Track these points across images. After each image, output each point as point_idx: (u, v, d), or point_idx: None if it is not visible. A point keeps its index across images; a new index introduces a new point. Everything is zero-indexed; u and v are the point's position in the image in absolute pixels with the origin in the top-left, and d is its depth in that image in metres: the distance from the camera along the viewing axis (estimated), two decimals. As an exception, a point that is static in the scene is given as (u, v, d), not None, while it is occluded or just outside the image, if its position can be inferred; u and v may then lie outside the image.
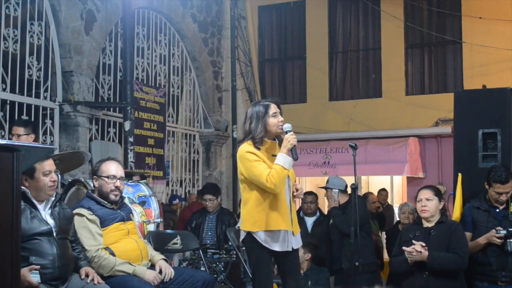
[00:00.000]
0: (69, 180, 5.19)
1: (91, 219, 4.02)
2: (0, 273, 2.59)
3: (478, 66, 9.47)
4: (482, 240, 4.65)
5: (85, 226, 4.00)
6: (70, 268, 3.69)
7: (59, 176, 4.83)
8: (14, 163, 2.63)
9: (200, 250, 5.16)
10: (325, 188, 6.05)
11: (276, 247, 3.91)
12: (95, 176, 4.23)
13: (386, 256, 7.16)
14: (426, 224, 4.64)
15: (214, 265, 5.53)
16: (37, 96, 7.07)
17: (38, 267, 3.41)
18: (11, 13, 6.68)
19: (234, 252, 5.61)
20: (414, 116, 9.90)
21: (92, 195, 4.21)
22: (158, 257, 4.22)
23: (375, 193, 9.02)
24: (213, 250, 5.88)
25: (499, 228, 4.59)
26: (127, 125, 7.50)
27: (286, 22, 11.23)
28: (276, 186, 3.81)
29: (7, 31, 6.68)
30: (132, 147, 7.52)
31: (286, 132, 3.88)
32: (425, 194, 4.65)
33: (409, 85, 10.26)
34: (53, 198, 3.74)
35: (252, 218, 3.91)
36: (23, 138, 5.16)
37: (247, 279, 5.42)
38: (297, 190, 4.06)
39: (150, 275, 3.96)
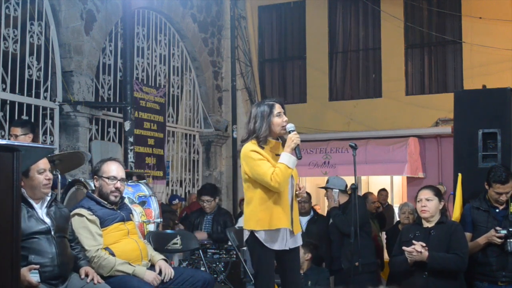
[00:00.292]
0: (69, 180, 5.20)
1: (91, 219, 4.02)
2: (0, 273, 2.59)
3: (478, 66, 9.47)
4: (482, 240, 4.65)
5: (85, 226, 3.99)
6: (69, 267, 3.70)
7: (59, 176, 4.84)
8: (14, 163, 2.63)
9: (200, 250, 5.16)
10: (325, 188, 6.04)
11: (275, 246, 3.92)
12: (95, 176, 4.23)
13: (386, 256, 7.16)
14: (426, 224, 4.64)
15: (214, 265, 5.53)
16: (37, 96, 7.07)
17: (37, 266, 3.41)
18: (11, 13, 6.68)
19: (234, 252, 5.61)
20: (414, 116, 9.89)
21: (92, 195, 4.21)
22: (158, 257, 4.22)
23: (375, 193, 9.02)
24: (213, 250, 5.88)
25: (499, 228, 4.59)
26: (127, 125, 7.50)
27: (286, 22, 11.23)
28: (280, 185, 3.83)
29: (7, 31, 6.68)
30: (132, 147, 7.52)
31: (290, 132, 3.91)
32: (425, 194, 4.65)
33: (409, 85, 10.26)
34: (48, 198, 3.74)
35: (255, 216, 3.92)
36: (21, 138, 5.16)
37: (247, 279, 5.42)
38: (300, 189, 4.07)
39: (150, 276, 3.96)
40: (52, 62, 7.26)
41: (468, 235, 4.73)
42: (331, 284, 6.17)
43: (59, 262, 3.57)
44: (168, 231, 5.60)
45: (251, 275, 5.17)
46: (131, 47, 7.71)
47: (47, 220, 3.65)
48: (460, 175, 5.12)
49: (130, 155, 7.47)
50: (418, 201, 4.68)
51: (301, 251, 5.15)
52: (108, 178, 4.15)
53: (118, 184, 4.17)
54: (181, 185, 9.72)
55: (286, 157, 3.86)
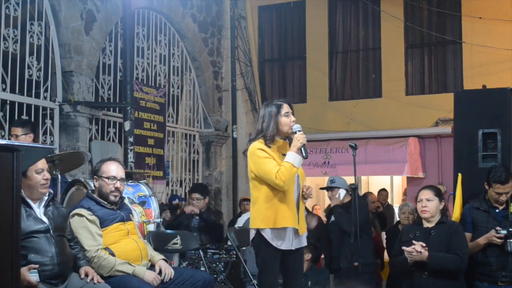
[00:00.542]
0: (69, 180, 5.20)
1: (91, 220, 4.02)
2: (0, 273, 2.59)
3: (478, 66, 9.47)
4: (482, 240, 4.66)
5: (85, 226, 4.00)
6: (69, 266, 3.70)
7: (59, 176, 4.84)
8: (14, 163, 2.64)
9: (200, 250, 5.16)
10: (331, 187, 5.97)
11: (283, 246, 3.94)
12: (95, 176, 4.23)
13: (386, 256, 7.16)
14: (426, 224, 4.65)
15: (214, 265, 5.53)
16: (37, 96, 7.06)
17: (37, 266, 3.41)
18: (11, 13, 6.68)
19: (234, 252, 5.61)
20: (414, 116, 9.89)
21: (92, 195, 4.21)
22: (158, 257, 4.22)
23: (375, 193, 9.02)
24: (213, 250, 5.88)
25: (499, 228, 4.59)
26: (127, 125, 7.50)
27: (286, 22, 11.23)
28: (285, 183, 3.85)
29: (7, 31, 6.68)
30: (132, 147, 7.52)
31: (296, 132, 3.95)
32: (426, 194, 4.65)
33: (409, 85, 10.25)
34: (46, 197, 3.75)
35: (261, 215, 3.94)
36: (21, 138, 5.16)
37: (247, 279, 5.42)
38: (306, 189, 4.08)
39: (150, 276, 3.96)
40: (52, 62, 7.26)
41: (468, 235, 4.73)
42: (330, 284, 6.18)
43: (59, 261, 3.57)
44: (168, 231, 5.60)
45: (251, 275, 5.18)
46: (131, 47, 7.71)
47: (45, 219, 3.66)
48: (460, 175, 5.12)
49: (130, 155, 7.47)
50: (419, 201, 4.68)
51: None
52: (108, 178, 4.16)
53: (118, 184, 4.18)
54: (181, 185, 9.72)
55: (292, 156, 3.88)
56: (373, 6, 10.32)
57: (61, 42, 7.36)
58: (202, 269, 5.09)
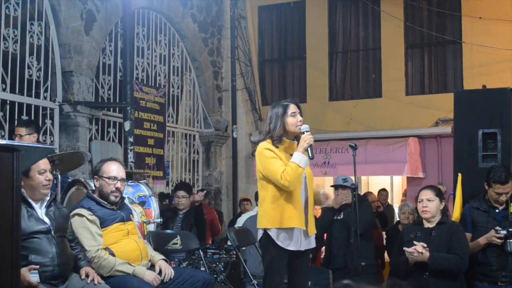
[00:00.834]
0: (69, 180, 5.19)
1: (91, 220, 4.02)
2: (0, 273, 2.59)
3: (478, 66, 9.47)
4: (482, 240, 4.66)
5: (85, 226, 4.00)
6: (70, 266, 3.70)
7: (59, 176, 4.84)
8: (14, 163, 2.64)
9: (200, 250, 5.16)
10: (344, 186, 5.83)
11: (291, 247, 3.95)
12: (96, 176, 4.22)
13: (386, 256, 7.16)
14: (427, 225, 4.64)
15: (214, 265, 5.52)
16: (37, 96, 7.07)
17: (37, 266, 3.41)
18: (11, 13, 6.68)
19: (234, 252, 5.61)
20: (414, 116, 9.89)
21: (92, 195, 4.21)
22: (158, 257, 4.22)
23: (375, 193, 9.02)
24: (213, 250, 5.88)
25: (499, 228, 4.59)
26: (127, 125, 7.50)
27: (286, 22, 11.23)
28: (290, 184, 3.85)
29: (7, 31, 6.68)
30: (132, 147, 7.52)
31: (303, 132, 3.96)
32: (426, 194, 4.65)
33: (409, 85, 10.25)
34: (48, 198, 3.75)
35: (267, 215, 3.96)
36: (26, 138, 5.18)
37: (247, 279, 5.42)
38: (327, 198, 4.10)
39: (150, 276, 3.96)
40: (52, 62, 7.26)
41: (468, 235, 4.73)
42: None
43: (59, 262, 3.57)
44: (168, 231, 5.60)
45: (251, 275, 5.18)
46: (131, 47, 7.71)
47: (47, 220, 3.65)
48: (460, 175, 5.12)
49: (130, 155, 7.47)
50: (419, 202, 4.68)
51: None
52: (108, 178, 4.16)
53: (119, 184, 4.18)
54: (181, 185, 9.71)
55: (298, 157, 3.89)
56: (373, 6, 10.32)
57: (61, 42, 7.36)
58: (202, 269, 5.08)
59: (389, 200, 9.59)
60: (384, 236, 7.66)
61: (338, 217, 5.84)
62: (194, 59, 10.00)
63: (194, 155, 10.14)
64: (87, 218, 4.01)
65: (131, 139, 7.51)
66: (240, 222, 6.77)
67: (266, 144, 4.00)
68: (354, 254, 5.20)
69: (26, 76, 6.90)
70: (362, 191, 9.60)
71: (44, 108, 7.12)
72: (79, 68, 7.41)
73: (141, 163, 8.24)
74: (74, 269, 3.75)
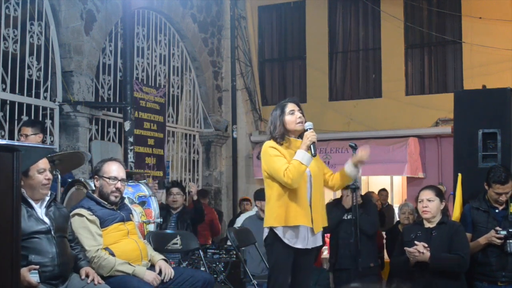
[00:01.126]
0: (69, 180, 5.19)
1: (91, 220, 4.02)
2: (0, 273, 2.59)
3: (478, 66, 9.47)
4: (482, 240, 4.66)
5: (85, 226, 3.99)
6: (70, 266, 3.70)
7: (59, 176, 4.84)
8: (14, 163, 2.64)
9: (200, 250, 5.16)
10: (355, 188, 5.61)
11: (298, 244, 3.95)
12: (96, 176, 4.22)
13: (385, 256, 7.15)
14: (427, 225, 4.64)
15: (214, 265, 5.53)
16: (37, 96, 7.07)
17: (37, 267, 3.41)
18: (11, 13, 6.68)
19: (234, 252, 5.61)
20: (414, 116, 9.89)
21: (92, 195, 4.21)
22: (158, 257, 4.22)
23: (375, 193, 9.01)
24: (213, 250, 5.88)
25: (499, 228, 4.59)
26: (127, 125, 7.50)
27: (286, 22, 11.23)
28: (293, 181, 3.86)
29: (7, 31, 6.68)
30: (132, 147, 7.52)
31: (307, 130, 3.97)
32: (427, 194, 4.64)
33: (409, 85, 10.25)
34: (47, 198, 3.74)
35: (273, 213, 3.97)
36: (31, 138, 5.20)
37: (247, 279, 5.42)
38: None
39: (150, 276, 3.96)
40: (52, 62, 7.26)
41: (468, 235, 4.73)
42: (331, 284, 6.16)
43: (59, 262, 3.57)
44: (168, 231, 5.60)
45: (251, 275, 5.18)
46: (131, 47, 7.71)
47: (46, 220, 3.65)
48: (460, 175, 5.12)
49: (130, 155, 7.47)
50: (420, 202, 4.68)
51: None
52: (109, 178, 4.15)
53: (119, 185, 4.18)
54: (181, 185, 9.71)
55: (301, 154, 3.89)
56: (373, 6, 10.32)
57: (61, 42, 7.36)
58: (202, 269, 5.09)
59: (389, 200, 9.59)
60: (384, 236, 7.67)
61: (347, 217, 5.73)
62: (194, 59, 10.00)
63: (194, 155, 10.14)
64: (87, 218, 4.01)
65: (131, 139, 7.51)
66: (238, 222, 6.77)
67: (270, 143, 4.03)
68: (357, 255, 5.18)
69: (26, 76, 6.90)
70: (362, 191, 9.59)
71: (44, 108, 7.12)
72: (79, 68, 7.41)
73: (141, 163, 8.24)
74: (74, 269, 3.75)
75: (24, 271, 3.31)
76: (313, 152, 3.91)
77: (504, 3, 9.46)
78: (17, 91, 6.75)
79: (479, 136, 5.09)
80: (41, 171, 3.66)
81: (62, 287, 3.61)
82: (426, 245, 4.46)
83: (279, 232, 3.94)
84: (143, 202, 5.03)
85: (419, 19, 10.19)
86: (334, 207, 5.71)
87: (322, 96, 10.61)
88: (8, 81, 6.63)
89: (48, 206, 3.73)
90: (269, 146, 4.01)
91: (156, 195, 6.13)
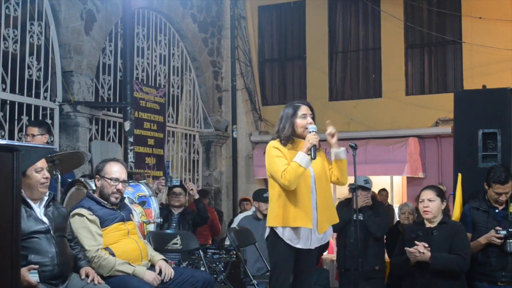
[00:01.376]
0: (69, 180, 5.19)
1: (91, 219, 4.02)
2: (0, 273, 2.59)
3: (478, 66, 9.46)
4: (482, 240, 4.66)
5: (85, 226, 3.99)
6: (69, 266, 3.69)
7: (59, 176, 4.84)
8: (14, 163, 2.63)
9: (200, 250, 5.16)
10: (366, 188, 5.70)
11: (299, 245, 3.95)
12: (97, 176, 4.22)
13: (385, 256, 7.15)
14: (428, 225, 4.65)
15: (214, 265, 5.52)
16: (37, 96, 7.06)
17: (36, 266, 3.41)
18: (11, 13, 6.68)
19: (234, 252, 5.61)
20: (414, 116, 9.89)
21: (92, 195, 4.21)
22: (158, 257, 4.22)
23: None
24: (213, 250, 5.88)
25: (499, 228, 4.59)
26: (127, 125, 7.50)
27: (286, 22, 11.22)
28: (290, 183, 3.86)
29: (7, 31, 6.67)
30: (132, 147, 7.52)
31: (310, 132, 3.98)
32: (427, 194, 4.65)
33: (409, 85, 10.25)
34: (46, 197, 3.74)
35: (273, 213, 4.00)
36: (38, 138, 5.23)
37: (247, 279, 5.42)
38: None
39: (150, 276, 3.96)
40: (52, 62, 7.26)
41: (468, 235, 4.73)
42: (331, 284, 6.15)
43: (59, 262, 3.57)
44: (168, 231, 5.60)
45: (251, 275, 5.18)
46: (131, 47, 7.71)
47: (45, 220, 3.65)
48: (460, 175, 5.12)
49: (130, 155, 7.47)
50: (420, 202, 4.68)
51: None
52: (110, 179, 4.15)
53: (120, 186, 4.18)
54: (181, 185, 9.71)
55: (300, 156, 3.90)
56: (373, 6, 10.32)
57: (61, 42, 7.36)
58: (202, 269, 5.09)
59: (389, 200, 9.58)
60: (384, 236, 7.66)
61: (355, 218, 5.69)
62: (194, 59, 10.00)
63: (194, 155, 10.14)
64: (87, 218, 4.01)
65: (131, 139, 7.51)
66: (235, 222, 6.78)
67: (274, 143, 4.04)
68: (356, 255, 5.16)
69: (26, 76, 6.90)
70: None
71: (44, 108, 7.11)
72: (79, 68, 7.41)
73: (141, 163, 8.24)
74: (74, 269, 3.75)
75: (23, 271, 3.31)
76: (312, 155, 3.91)
77: (504, 3, 9.45)
78: (17, 91, 6.74)
79: (479, 136, 5.09)
80: (39, 170, 3.65)
81: (62, 287, 3.61)
82: (426, 245, 4.46)
83: (279, 231, 3.95)
84: (143, 202, 5.04)
85: (419, 19, 10.19)
86: (344, 207, 5.64)
87: (322, 96, 10.60)
88: (8, 81, 6.63)
89: (47, 206, 3.73)
90: (272, 147, 4.02)
91: (159, 192, 6.15)
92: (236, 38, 10.64)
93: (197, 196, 6.50)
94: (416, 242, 4.51)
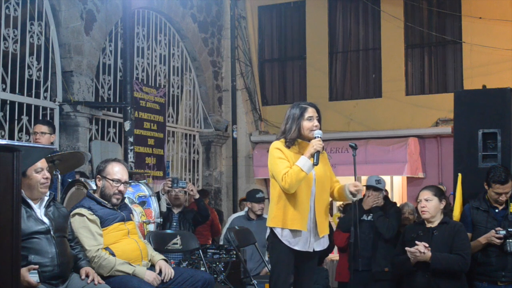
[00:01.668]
0: (69, 180, 5.20)
1: (91, 219, 4.02)
2: (0, 273, 2.59)
3: (478, 66, 9.46)
4: (482, 239, 4.67)
5: (86, 226, 3.99)
6: (69, 266, 3.69)
7: (59, 176, 4.84)
8: (14, 163, 2.64)
9: (200, 250, 5.16)
10: (377, 188, 5.61)
11: (297, 247, 3.96)
12: (98, 176, 4.21)
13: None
14: (428, 224, 4.65)
15: (214, 265, 5.52)
16: (37, 96, 7.07)
17: (36, 266, 3.41)
18: (11, 13, 6.68)
19: (234, 252, 5.61)
20: (414, 116, 9.89)
21: (92, 195, 4.21)
22: (158, 257, 4.22)
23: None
24: (213, 250, 5.88)
25: (499, 228, 4.60)
26: (127, 125, 7.50)
27: (286, 22, 11.22)
28: (290, 186, 3.87)
29: (7, 31, 6.68)
30: (132, 147, 7.52)
31: (315, 137, 3.97)
32: (424, 194, 4.67)
33: (409, 85, 10.25)
34: (46, 198, 3.74)
35: (272, 214, 4.02)
36: (46, 137, 5.26)
37: (247, 279, 5.42)
38: (356, 188, 4.05)
39: (150, 276, 3.96)
40: (52, 62, 7.26)
41: (468, 235, 4.73)
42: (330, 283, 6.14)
43: (59, 262, 3.57)
44: (168, 231, 5.60)
45: (251, 276, 5.18)
46: (131, 47, 7.71)
47: (46, 220, 3.65)
48: (460, 175, 5.12)
49: (130, 155, 7.47)
50: (418, 202, 4.69)
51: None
52: (112, 180, 4.15)
53: (122, 187, 4.18)
54: (181, 185, 9.70)
55: (303, 161, 3.90)
56: (373, 6, 10.32)
57: (61, 42, 7.36)
58: (202, 269, 5.09)
59: (389, 200, 9.58)
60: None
61: (366, 218, 5.60)
62: (194, 59, 10.00)
63: (194, 155, 10.14)
64: (87, 218, 4.01)
65: (131, 139, 7.51)
66: (228, 222, 6.79)
67: (277, 144, 4.04)
68: (356, 255, 5.15)
69: (26, 76, 6.90)
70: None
71: (44, 108, 7.12)
72: (79, 68, 7.41)
73: (141, 163, 8.24)
74: (74, 269, 3.75)
75: (23, 271, 3.31)
76: (315, 161, 3.91)
77: (504, 3, 9.45)
78: (17, 91, 6.75)
79: (479, 136, 5.09)
80: (39, 170, 3.65)
81: (62, 287, 3.61)
82: (427, 245, 4.46)
83: (278, 232, 3.96)
84: (143, 202, 5.04)
85: (419, 19, 10.19)
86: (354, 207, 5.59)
87: (322, 96, 10.60)
88: (8, 81, 6.63)
89: (47, 206, 3.73)
90: (275, 148, 4.02)
91: (165, 194, 6.15)
92: (236, 38, 10.64)
93: (197, 196, 6.49)
94: (416, 242, 4.52)
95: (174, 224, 6.38)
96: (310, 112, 4.06)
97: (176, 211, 6.46)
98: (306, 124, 4.03)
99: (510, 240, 4.56)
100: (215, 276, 5.35)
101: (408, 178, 9.95)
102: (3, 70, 6.56)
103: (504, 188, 4.65)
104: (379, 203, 5.53)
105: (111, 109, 8.06)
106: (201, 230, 7.32)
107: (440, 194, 4.69)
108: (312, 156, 3.90)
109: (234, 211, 9.96)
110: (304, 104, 4.13)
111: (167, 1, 9.11)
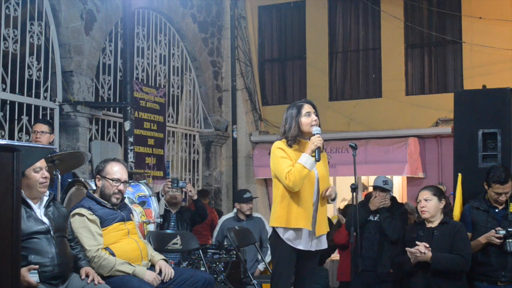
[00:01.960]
0: (69, 180, 5.20)
1: (91, 219, 4.02)
2: (0, 273, 2.59)
3: (478, 66, 9.46)
4: (482, 239, 4.67)
5: (86, 226, 4.00)
6: (69, 266, 3.70)
7: (59, 176, 4.84)
8: (14, 163, 2.64)
9: (200, 250, 5.16)
10: (384, 189, 5.57)
11: (300, 246, 3.97)
12: (98, 176, 4.22)
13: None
14: (429, 225, 4.65)
15: (214, 265, 5.53)
16: (37, 96, 7.06)
17: (36, 266, 3.41)
18: (11, 13, 6.68)
19: (234, 252, 5.61)
20: (414, 116, 9.89)
21: (92, 195, 4.21)
22: (158, 257, 4.22)
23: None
24: (213, 250, 5.88)
25: (499, 228, 4.60)
26: (127, 125, 7.50)
27: (286, 22, 11.22)
28: (294, 184, 3.88)
29: (7, 31, 6.67)
30: (132, 147, 7.52)
31: (314, 134, 3.99)
32: (424, 194, 4.67)
33: (409, 85, 10.25)
34: (46, 198, 3.74)
35: (275, 213, 4.02)
36: (46, 136, 5.26)
37: (247, 279, 5.42)
38: (326, 191, 4.05)
39: (150, 276, 3.97)
40: (52, 62, 7.26)
41: (468, 235, 4.74)
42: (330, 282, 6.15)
43: (59, 262, 3.57)
44: (168, 231, 5.60)
45: (251, 275, 5.18)
46: (131, 47, 7.71)
47: (46, 220, 3.65)
48: (460, 175, 5.13)
49: (130, 155, 7.47)
50: (418, 202, 4.70)
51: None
52: (112, 180, 4.15)
53: (121, 187, 4.18)
54: (181, 185, 9.70)
55: (305, 158, 3.91)
56: (373, 6, 10.32)
57: (61, 42, 7.36)
58: (202, 269, 5.09)
59: (389, 200, 9.57)
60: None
61: (373, 219, 5.56)
62: (194, 59, 10.00)
63: (194, 155, 10.14)
64: (87, 218, 4.01)
65: (131, 139, 7.51)
66: (218, 224, 6.79)
67: (279, 143, 4.05)
68: (356, 256, 5.15)
69: (26, 76, 6.90)
70: (361, 192, 9.60)
71: (44, 108, 7.11)
72: (79, 68, 7.41)
73: (141, 163, 8.24)
74: (74, 269, 3.75)
75: (23, 271, 3.31)
76: (317, 157, 3.92)
77: (504, 3, 9.45)
78: (17, 91, 6.74)
79: (479, 136, 5.09)
80: (38, 170, 3.65)
81: (62, 287, 3.61)
82: (427, 245, 4.46)
83: (281, 232, 3.97)
84: (143, 202, 5.04)
85: (419, 19, 10.19)
86: (360, 207, 5.51)
87: (322, 96, 10.60)
88: (8, 81, 6.63)
89: (47, 206, 3.73)
90: (277, 147, 4.03)
91: (164, 195, 6.15)
92: (236, 38, 10.64)
93: (195, 197, 6.51)
94: (417, 242, 4.52)
95: (172, 224, 6.38)
96: (307, 108, 4.09)
97: (173, 211, 6.47)
98: (304, 120, 4.06)
99: (510, 240, 4.56)
100: (215, 276, 5.36)
101: (408, 178, 9.95)
102: (3, 70, 6.56)
103: (504, 188, 4.65)
104: (386, 204, 5.49)
105: (111, 109, 8.06)
106: (201, 230, 7.33)
107: (439, 193, 4.70)
108: (313, 152, 3.91)
109: (234, 211, 9.97)
110: (299, 102, 4.17)
111: (167, 1, 9.11)
